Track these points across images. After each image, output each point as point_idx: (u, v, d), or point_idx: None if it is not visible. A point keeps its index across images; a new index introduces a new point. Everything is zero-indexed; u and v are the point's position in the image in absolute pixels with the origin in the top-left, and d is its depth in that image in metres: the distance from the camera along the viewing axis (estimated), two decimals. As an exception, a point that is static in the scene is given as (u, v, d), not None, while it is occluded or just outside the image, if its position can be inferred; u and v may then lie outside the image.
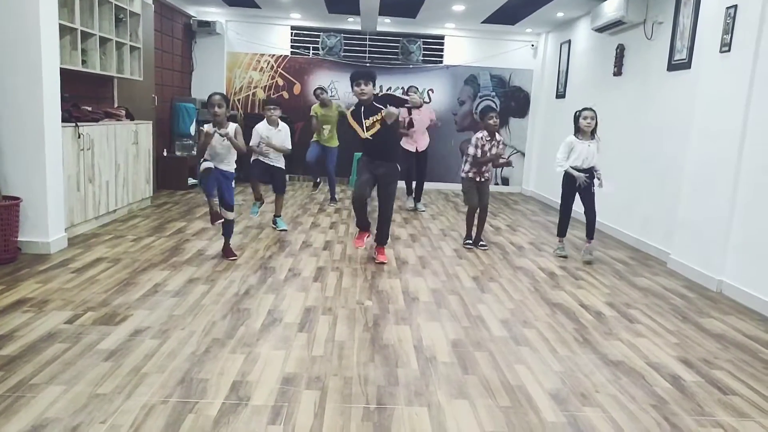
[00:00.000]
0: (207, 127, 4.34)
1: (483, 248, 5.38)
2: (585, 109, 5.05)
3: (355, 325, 3.30)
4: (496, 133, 5.35)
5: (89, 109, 5.34)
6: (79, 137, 4.88)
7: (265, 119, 5.57)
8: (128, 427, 2.14)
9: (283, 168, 5.73)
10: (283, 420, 2.26)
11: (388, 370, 2.75)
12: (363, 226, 4.78)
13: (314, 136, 7.47)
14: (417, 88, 7.37)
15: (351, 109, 4.65)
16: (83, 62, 5.19)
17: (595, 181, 5.08)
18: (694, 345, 3.30)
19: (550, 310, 3.76)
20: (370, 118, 4.48)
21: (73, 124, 4.81)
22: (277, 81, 9.44)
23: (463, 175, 5.43)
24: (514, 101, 9.71)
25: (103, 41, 5.54)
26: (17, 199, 4.25)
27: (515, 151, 9.82)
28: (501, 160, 5.42)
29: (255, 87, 9.41)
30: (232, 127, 4.38)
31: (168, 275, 4.04)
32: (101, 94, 6.14)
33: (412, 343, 3.08)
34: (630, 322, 3.61)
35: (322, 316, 3.41)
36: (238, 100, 9.42)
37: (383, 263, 4.64)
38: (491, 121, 5.28)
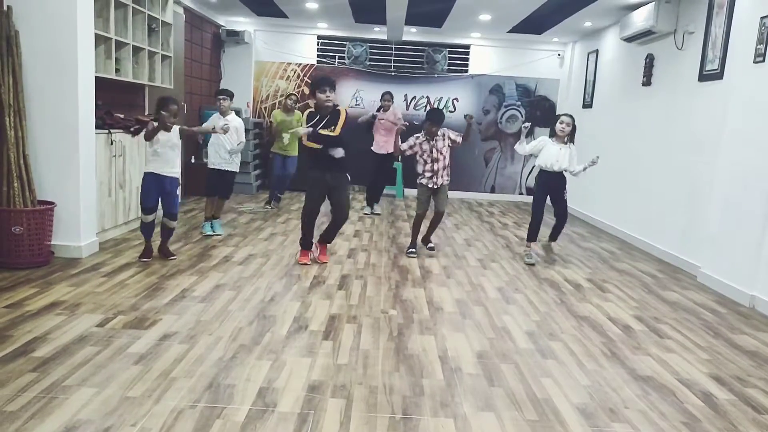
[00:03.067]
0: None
1: (431, 250, 5.36)
2: (564, 114, 5.15)
3: (380, 334, 3.30)
4: (437, 133, 5.16)
5: (121, 116, 5.46)
6: (111, 144, 5.00)
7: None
8: (157, 431, 2.17)
9: (235, 172, 5.68)
10: (309, 428, 2.26)
11: (413, 380, 2.74)
12: (307, 244, 4.80)
13: (274, 145, 7.28)
14: (390, 94, 7.36)
15: (308, 111, 4.71)
16: (117, 71, 5.33)
17: (568, 186, 5.20)
18: (726, 362, 3.22)
19: (576, 323, 3.71)
20: (325, 129, 4.49)
21: (106, 131, 4.93)
22: (303, 89, 9.53)
23: (418, 181, 5.30)
24: (539, 110, 9.65)
25: (136, 50, 5.68)
26: (52, 203, 4.36)
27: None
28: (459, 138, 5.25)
29: (281, 95, 9.52)
30: (175, 129, 4.50)
31: (195, 281, 4.09)
32: (133, 101, 6.28)
33: (437, 354, 3.07)
34: (659, 337, 3.55)
35: (347, 325, 3.42)
36: (265, 108, 9.54)
37: (323, 263, 4.74)
38: (431, 128, 5.11)
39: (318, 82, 4.60)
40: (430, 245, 5.42)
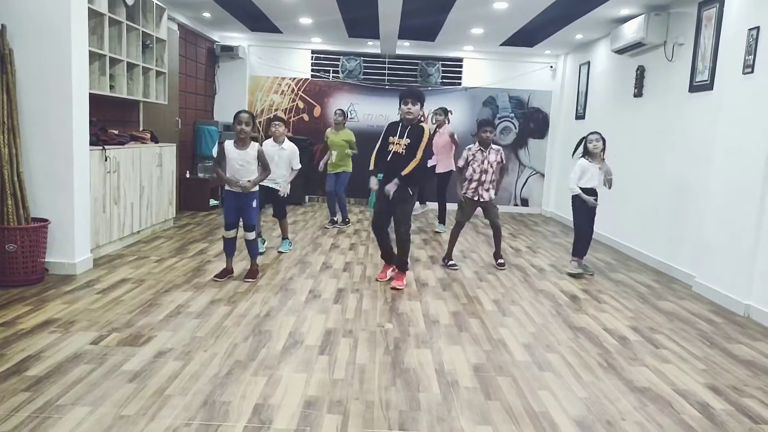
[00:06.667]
0: (227, 144, 4.42)
1: (500, 267, 5.39)
2: (591, 132, 5.25)
3: (376, 348, 3.29)
4: (492, 144, 5.35)
5: (116, 132, 5.47)
6: (105, 160, 4.99)
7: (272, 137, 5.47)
8: (152, 450, 2.15)
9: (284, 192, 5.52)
10: (305, 444, 2.25)
11: (409, 394, 2.73)
12: (385, 257, 4.77)
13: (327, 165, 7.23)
14: (444, 111, 7.39)
15: (390, 122, 4.64)
16: (111, 87, 5.34)
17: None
18: (722, 372, 3.22)
19: (573, 335, 3.71)
20: (402, 140, 4.43)
21: (101, 148, 4.93)
22: (297, 104, 9.58)
23: (462, 192, 5.45)
24: (532, 122, 9.71)
25: (131, 67, 5.70)
26: (45, 221, 4.35)
27: (534, 172, 9.80)
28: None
29: (276, 110, 9.56)
30: (254, 147, 4.46)
31: (190, 296, 4.08)
32: (127, 117, 6.30)
33: (433, 367, 3.06)
34: (655, 347, 3.55)
35: (343, 339, 3.41)
36: (260, 122, 9.57)
37: (396, 289, 4.52)
38: (485, 135, 5.31)
39: (400, 94, 4.53)
40: (499, 261, 5.42)
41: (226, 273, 4.60)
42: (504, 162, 5.41)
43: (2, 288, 4.02)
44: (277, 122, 5.43)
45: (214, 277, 4.55)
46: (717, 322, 4.12)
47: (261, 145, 4.64)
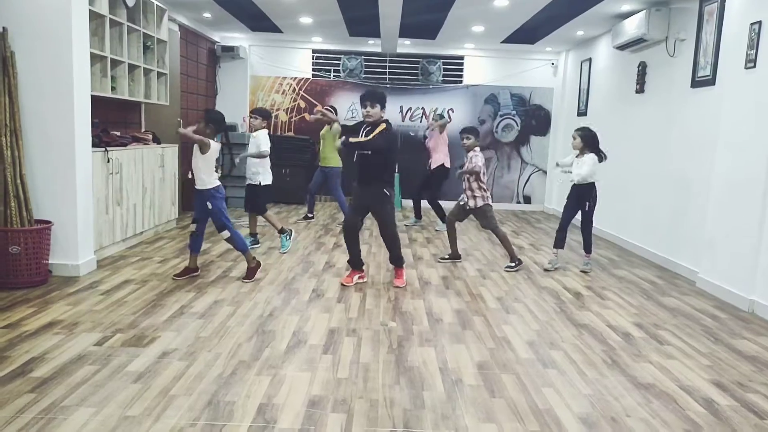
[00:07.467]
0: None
1: (507, 269, 5.33)
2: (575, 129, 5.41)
3: (380, 347, 3.29)
4: (472, 151, 5.39)
5: (118, 133, 5.48)
6: (108, 161, 5.00)
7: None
8: (157, 450, 2.16)
9: (257, 185, 5.65)
10: (310, 443, 2.25)
11: (413, 392, 2.73)
12: (354, 262, 4.63)
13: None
14: (441, 115, 7.46)
15: (360, 121, 4.55)
16: (113, 89, 5.35)
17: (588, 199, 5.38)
18: (727, 367, 3.21)
19: (576, 331, 3.70)
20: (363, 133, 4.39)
21: (103, 149, 4.93)
22: (299, 103, 9.57)
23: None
24: (534, 119, 9.70)
25: (132, 68, 5.71)
26: (49, 222, 4.36)
27: (537, 170, 9.78)
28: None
29: (277, 109, 9.56)
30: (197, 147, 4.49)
31: (194, 297, 4.08)
32: (129, 119, 6.30)
33: (437, 365, 3.06)
34: (660, 344, 3.54)
35: (347, 338, 3.41)
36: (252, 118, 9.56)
37: (399, 287, 4.55)
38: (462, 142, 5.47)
39: (361, 96, 4.49)
40: (507, 265, 5.35)
41: (187, 272, 4.56)
42: (469, 167, 5.29)
43: (6, 290, 4.03)
44: (252, 115, 5.75)
45: (174, 276, 4.52)
46: (721, 317, 4.11)
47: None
